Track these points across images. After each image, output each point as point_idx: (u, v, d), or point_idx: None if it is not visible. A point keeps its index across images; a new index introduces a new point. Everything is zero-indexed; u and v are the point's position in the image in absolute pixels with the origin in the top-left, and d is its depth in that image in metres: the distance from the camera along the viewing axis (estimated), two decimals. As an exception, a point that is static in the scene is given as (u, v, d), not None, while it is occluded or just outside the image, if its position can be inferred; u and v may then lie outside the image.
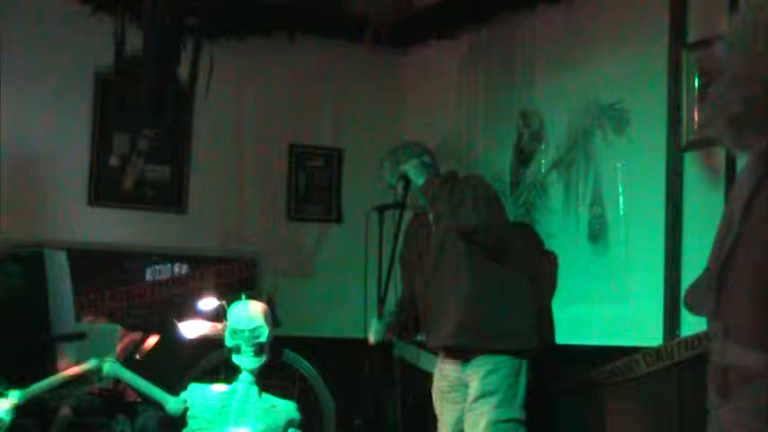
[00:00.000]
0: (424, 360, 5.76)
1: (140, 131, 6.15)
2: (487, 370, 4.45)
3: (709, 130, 1.69)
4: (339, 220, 6.65)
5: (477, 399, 4.46)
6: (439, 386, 4.70)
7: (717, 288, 1.56)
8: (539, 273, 5.08)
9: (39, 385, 4.01)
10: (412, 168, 4.72)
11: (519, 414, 4.47)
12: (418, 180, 4.67)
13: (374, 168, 6.58)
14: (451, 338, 4.54)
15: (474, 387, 4.47)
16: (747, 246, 1.54)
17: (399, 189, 4.77)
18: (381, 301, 4.68)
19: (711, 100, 1.62)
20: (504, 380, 4.44)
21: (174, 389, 4.49)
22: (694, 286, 1.68)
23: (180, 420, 4.46)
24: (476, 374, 4.48)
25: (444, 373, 4.67)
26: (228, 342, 4.62)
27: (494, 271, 4.56)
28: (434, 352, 4.86)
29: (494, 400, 4.42)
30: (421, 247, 4.78)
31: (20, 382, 3.97)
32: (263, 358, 4.61)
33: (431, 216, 4.76)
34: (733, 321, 1.54)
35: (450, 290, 4.56)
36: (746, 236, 1.56)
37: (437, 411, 4.72)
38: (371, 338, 4.70)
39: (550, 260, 5.23)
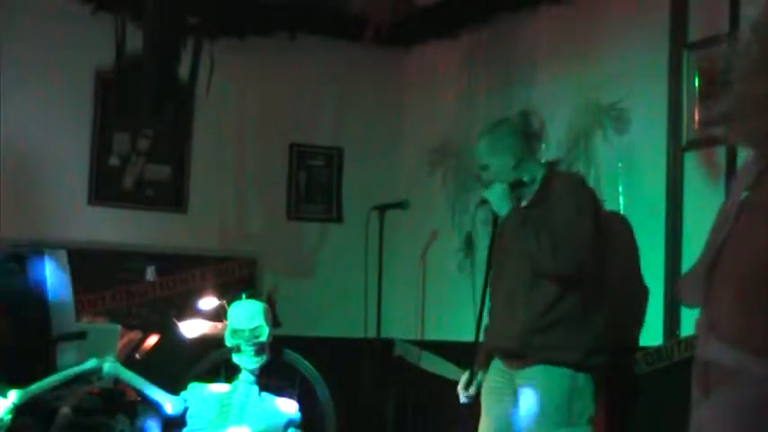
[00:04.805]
0: (424, 360, 5.76)
1: (140, 131, 6.15)
2: (543, 383, 3.97)
3: (717, 115, 1.68)
4: (339, 219, 6.65)
5: (532, 416, 3.99)
6: (490, 384, 4.16)
7: (706, 280, 1.56)
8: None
9: (39, 385, 4.01)
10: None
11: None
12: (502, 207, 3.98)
13: (375, 167, 6.62)
14: (510, 341, 4.04)
15: (528, 401, 4.00)
16: (738, 241, 1.55)
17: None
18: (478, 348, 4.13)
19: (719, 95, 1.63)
20: (560, 395, 3.97)
21: (174, 389, 4.49)
22: (687, 276, 1.67)
23: (180, 420, 4.46)
24: (530, 386, 4.00)
25: (498, 371, 4.15)
26: (229, 342, 4.62)
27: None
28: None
29: (549, 419, 3.96)
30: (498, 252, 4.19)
31: (20, 382, 3.97)
32: (264, 358, 4.61)
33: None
34: (716, 316, 1.53)
35: (512, 292, 4.07)
36: (738, 232, 1.56)
37: (483, 410, 4.20)
38: (462, 397, 4.17)
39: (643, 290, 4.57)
